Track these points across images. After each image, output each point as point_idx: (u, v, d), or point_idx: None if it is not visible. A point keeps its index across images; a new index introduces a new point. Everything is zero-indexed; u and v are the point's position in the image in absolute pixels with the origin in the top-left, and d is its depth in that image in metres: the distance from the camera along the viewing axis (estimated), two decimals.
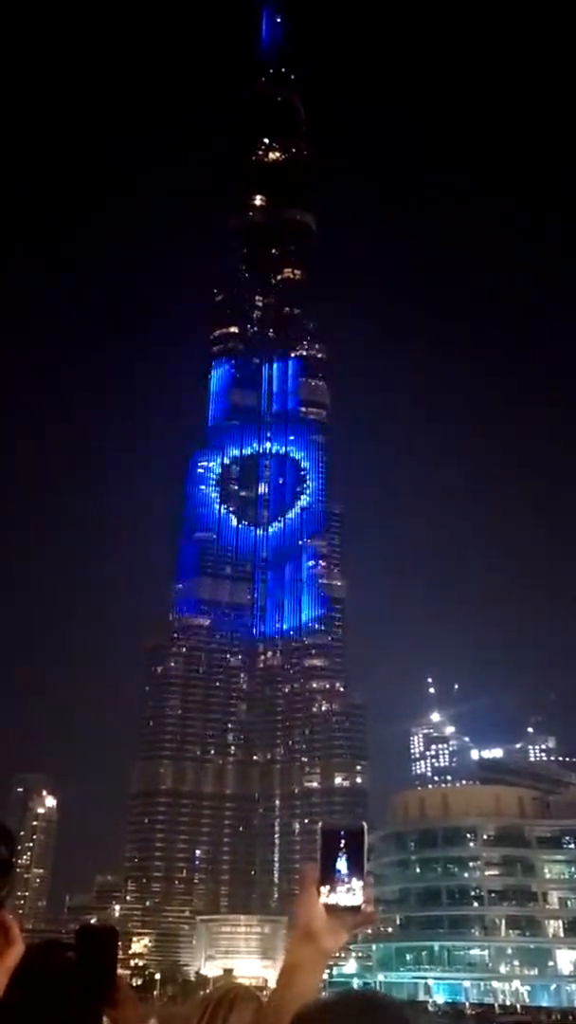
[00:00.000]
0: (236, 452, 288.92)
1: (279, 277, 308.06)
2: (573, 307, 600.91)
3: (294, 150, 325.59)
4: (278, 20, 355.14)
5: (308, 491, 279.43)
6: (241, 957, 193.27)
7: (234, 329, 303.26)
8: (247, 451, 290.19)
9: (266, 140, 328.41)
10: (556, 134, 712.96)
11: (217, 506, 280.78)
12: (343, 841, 2.91)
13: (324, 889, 2.84)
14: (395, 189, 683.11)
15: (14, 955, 2.49)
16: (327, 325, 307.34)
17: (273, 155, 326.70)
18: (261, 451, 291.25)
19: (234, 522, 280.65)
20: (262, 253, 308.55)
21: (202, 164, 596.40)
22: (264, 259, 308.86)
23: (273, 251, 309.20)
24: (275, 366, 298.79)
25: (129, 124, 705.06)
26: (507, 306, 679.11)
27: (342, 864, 2.86)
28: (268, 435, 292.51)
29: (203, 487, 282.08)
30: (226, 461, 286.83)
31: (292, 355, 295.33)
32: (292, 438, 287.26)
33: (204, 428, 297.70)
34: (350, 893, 2.83)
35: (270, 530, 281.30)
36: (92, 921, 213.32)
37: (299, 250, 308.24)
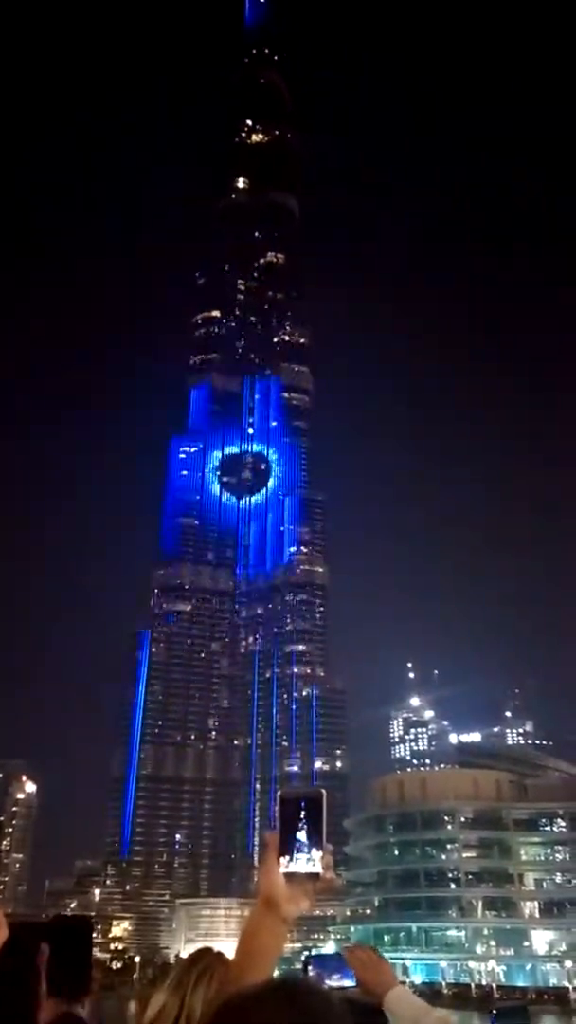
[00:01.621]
0: (218, 438, 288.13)
1: (262, 261, 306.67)
2: (566, 291, 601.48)
3: (277, 132, 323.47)
4: (261, 1, 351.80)
5: (290, 477, 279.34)
6: (220, 940, 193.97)
7: (216, 313, 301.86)
8: (229, 437, 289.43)
9: (249, 122, 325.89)
10: (551, 111, 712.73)
11: (198, 492, 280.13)
12: (303, 809, 2.91)
13: (284, 859, 2.85)
14: (380, 172, 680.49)
15: None
16: (310, 310, 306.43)
17: (256, 137, 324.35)
18: (243, 436, 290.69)
19: (217, 502, 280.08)
20: (245, 237, 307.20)
21: (185, 146, 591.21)
22: (247, 243, 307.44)
23: (256, 235, 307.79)
24: (257, 350, 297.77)
25: (110, 106, 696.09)
26: (495, 291, 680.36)
27: (302, 832, 2.86)
28: (250, 421, 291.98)
29: (184, 472, 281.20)
30: (207, 447, 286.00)
31: (274, 340, 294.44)
32: (274, 424, 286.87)
33: (186, 414, 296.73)
34: (309, 862, 2.83)
35: (251, 516, 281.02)
36: (72, 906, 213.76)
37: (282, 234, 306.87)
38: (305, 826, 2.87)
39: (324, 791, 3.02)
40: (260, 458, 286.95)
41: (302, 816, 2.89)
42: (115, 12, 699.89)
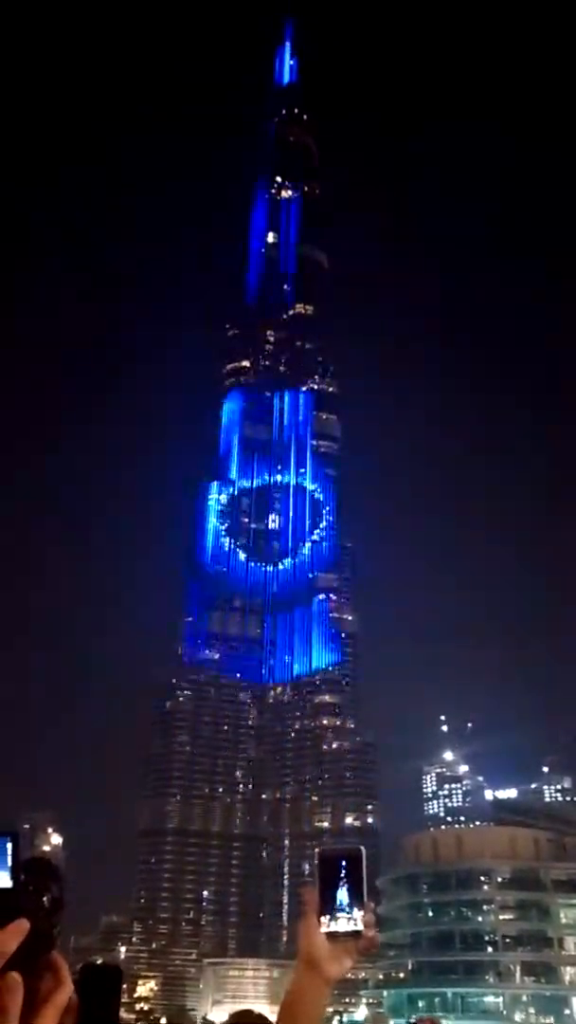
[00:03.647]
0: (247, 485, 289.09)
1: (291, 312, 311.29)
2: None
3: (307, 189, 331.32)
4: (291, 62, 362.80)
5: (320, 525, 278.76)
6: (249, 1002, 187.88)
7: (246, 363, 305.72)
8: (258, 484, 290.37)
9: (279, 179, 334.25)
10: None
11: (227, 539, 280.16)
12: (342, 866, 2.87)
13: (324, 918, 2.82)
14: (408, 229, 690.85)
15: (64, 995, 2.55)
16: (338, 360, 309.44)
17: (286, 193, 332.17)
18: (272, 484, 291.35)
19: (243, 556, 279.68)
20: (274, 288, 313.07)
21: (218, 200, 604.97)
22: (276, 295, 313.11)
23: (285, 287, 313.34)
24: (286, 400, 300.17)
25: (142, 159, 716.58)
26: (525, 345, 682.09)
27: (342, 890, 2.83)
28: (279, 468, 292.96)
29: (213, 520, 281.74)
30: (236, 494, 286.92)
31: (303, 389, 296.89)
32: (303, 471, 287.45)
33: (215, 462, 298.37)
34: (351, 920, 2.80)
35: (281, 564, 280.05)
36: (97, 963, 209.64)
37: (311, 286, 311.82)
38: (345, 884, 2.84)
39: (363, 848, 2.98)
40: (289, 504, 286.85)
41: (341, 874, 2.86)
42: (148, 70, 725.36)
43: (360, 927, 2.79)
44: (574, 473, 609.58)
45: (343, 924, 2.79)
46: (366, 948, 2.82)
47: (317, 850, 2.98)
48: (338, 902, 2.81)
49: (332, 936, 2.79)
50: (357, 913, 2.80)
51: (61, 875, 2.67)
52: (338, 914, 2.80)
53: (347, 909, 2.80)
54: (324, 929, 2.80)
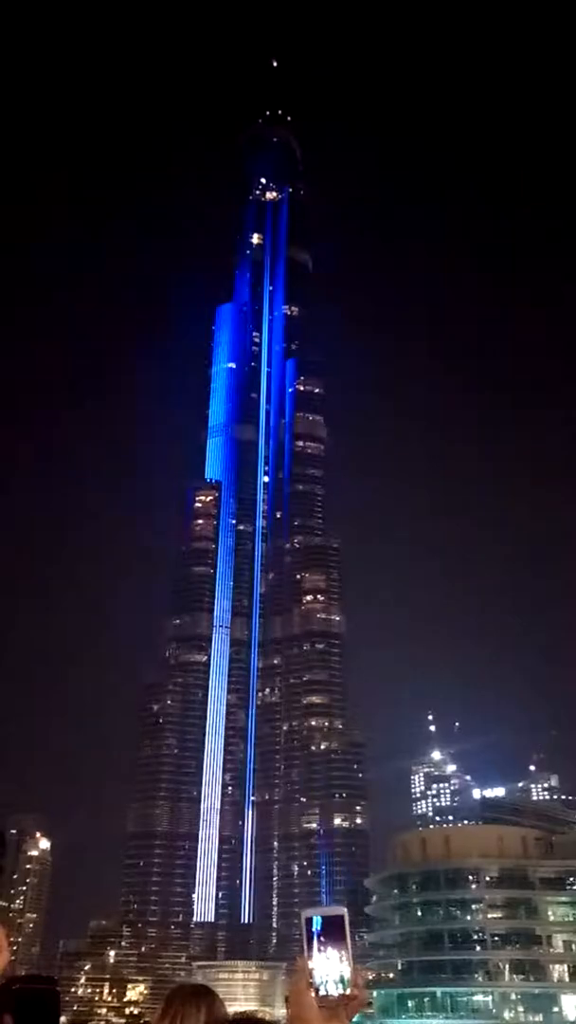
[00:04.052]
0: (233, 486, 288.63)
1: (276, 313, 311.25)
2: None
3: (291, 190, 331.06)
4: (274, 64, 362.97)
5: (306, 525, 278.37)
6: (239, 1004, 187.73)
7: (231, 364, 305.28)
8: (244, 485, 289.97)
9: (263, 180, 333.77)
10: (559, 166, 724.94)
11: (214, 541, 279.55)
12: (326, 928, 2.93)
13: (314, 982, 2.87)
14: (392, 226, 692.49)
15: (1, 963, 2.46)
16: (324, 360, 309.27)
17: (270, 195, 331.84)
18: (258, 485, 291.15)
19: (231, 557, 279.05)
20: (259, 291, 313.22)
21: (201, 203, 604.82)
22: (261, 296, 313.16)
23: (270, 288, 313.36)
24: (272, 400, 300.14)
25: (122, 163, 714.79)
26: (508, 341, 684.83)
27: (329, 953, 2.88)
28: (265, 469, 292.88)
29: (200, 521, 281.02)
30: (223, 495, 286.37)
31: (289, 389, 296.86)
32: (289, 472, 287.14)
33: (201, 463, 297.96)
34: (338, 985, 2.87)
35: (267, 564, 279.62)
36: (86, 967, 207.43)
37: (296, 287, 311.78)
38: (331, 946, 2.88)
39: (346, 910, 3.07)
40: (275, 505, 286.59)
41: (325, 937, 2.90)
42: (132, 76, 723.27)
43: (349, 989, 2.87)
44: (566, 473, 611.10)
45: (332, 987, 2.85)
46: (356, 1009, 2.91)
47: (302, 913, 3.02)
48: (325, 966, 2.86)
49: (323, 1000, 2.85)
50: (345, 973, 2.87)
51: (3, 838, 2.47)
52: (327, 977, 2.85)
53: (335, 972, 2.86)
54: (315, 994, 2.86)
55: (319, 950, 2.86)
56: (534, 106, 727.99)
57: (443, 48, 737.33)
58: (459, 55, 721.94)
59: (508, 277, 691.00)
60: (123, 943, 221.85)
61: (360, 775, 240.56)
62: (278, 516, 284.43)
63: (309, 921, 2.94)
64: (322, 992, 2.82)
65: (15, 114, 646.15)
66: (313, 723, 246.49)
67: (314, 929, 2.91)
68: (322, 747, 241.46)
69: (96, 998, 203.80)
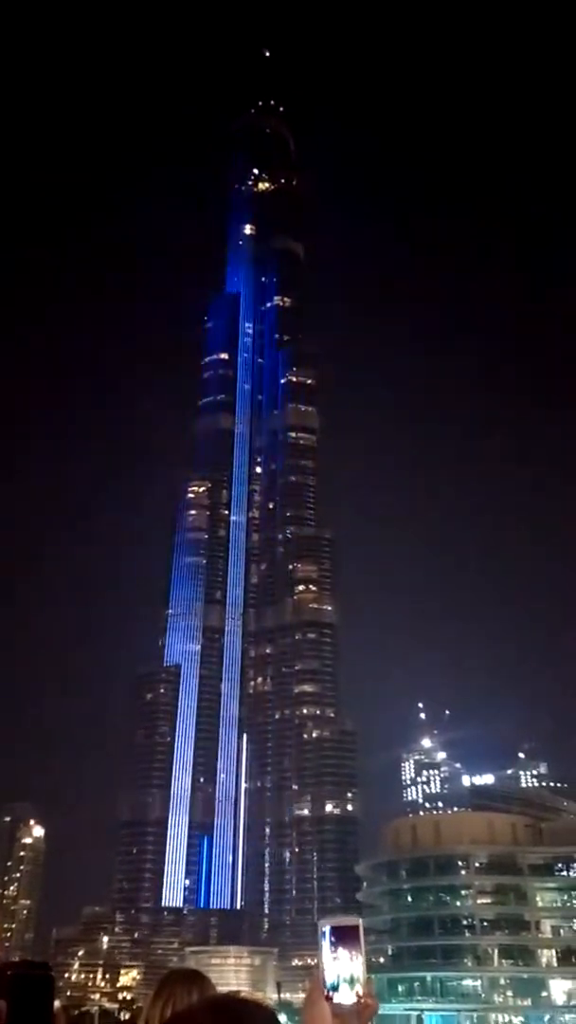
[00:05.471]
0: (226, 477, 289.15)
1: (268, 304, 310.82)
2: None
3: (283, 180, 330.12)
4: (266, 54, 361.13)
5: (298, 516, 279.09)
6: (231, 989, 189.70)
7: (224, 355, 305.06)
8: (237, 476, 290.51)
9: (255, 170, 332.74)
10: (554, 154, 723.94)
11: (207, 531, 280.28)
12: (341, 937, 2.99)
13: (327, 990, 2.92)
14: (385, 216, 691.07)
15: None
16: (316, 351, 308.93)
17: (263, 185, 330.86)
18: (251, 475, 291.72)
19: (224, 547, 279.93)
20: (251, 281, 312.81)
21: (192, 192, 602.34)
22: (253, 287, 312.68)
23: (263, 279, 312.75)
24: (264, 391, 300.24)
25: (121, 155, 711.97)
26: (500, 334, 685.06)
27: (344, 961, 2.94)
28: (258, 460, 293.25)
29: (193, 512, 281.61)
30: (215, 487, 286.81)
31: (281, 380, 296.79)
32: (281, 463, 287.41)
33: (195, 454, 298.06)
34: (352, 991, 2.92)
35: (260, 555, 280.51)
36: (80, 953, 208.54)
37: (288, 278, 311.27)
38: (346, 955, 2.95)
39: (361, 920, 3.09)
40: (268, 495, 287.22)
41: (340, 945, 2.97)
42: (125, 65, 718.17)
43: (361, 997, 2.92)
44: (560, 464, 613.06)
45: (345, 995, 2.92)
46: (368, 1017, 2.95)
47: (319, 924, 3.04)
48: (340, 974, 2.93)
49: (337, 1007, 2.91)
50: (356, 974, 2.94)
51: None
52: (341, 985, 2.92)
53: (348, 980, 2.92)
54: (328, 1001, 2.92)
55: (332, 953, 2.96)
56: (531, 101, 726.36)
57: (435, 37, 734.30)
58: (451, 44, 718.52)
59: (508, 263, 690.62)
60: (116, 929, 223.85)
61: (351, 763, 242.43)
62: (271, 507, 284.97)
63: (325, 931, 3.02)
64: (336, 1000, 2.91)
65: (10, 111, 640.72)
66: (305, 711, 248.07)
67: (329, 938, 2.99)
68: (314, 735, 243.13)
69: (89, 983, 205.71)
